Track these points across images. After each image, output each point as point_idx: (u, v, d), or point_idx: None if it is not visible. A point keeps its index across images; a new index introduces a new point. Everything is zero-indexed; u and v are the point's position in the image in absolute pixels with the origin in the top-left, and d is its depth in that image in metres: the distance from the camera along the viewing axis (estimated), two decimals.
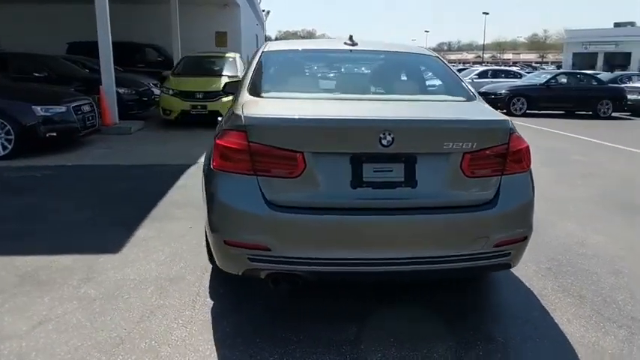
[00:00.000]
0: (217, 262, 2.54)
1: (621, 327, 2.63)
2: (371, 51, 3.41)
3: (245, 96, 2.72)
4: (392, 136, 2.25)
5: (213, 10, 18.18)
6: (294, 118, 2.33)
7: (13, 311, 2.67)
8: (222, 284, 3.02)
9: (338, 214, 2.26)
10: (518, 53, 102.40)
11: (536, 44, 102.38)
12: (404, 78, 3.31)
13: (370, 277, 2.45)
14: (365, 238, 2.29)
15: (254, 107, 2.48)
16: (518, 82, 15.82)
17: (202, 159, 6.47)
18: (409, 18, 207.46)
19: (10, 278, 3.05)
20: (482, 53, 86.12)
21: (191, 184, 5.38)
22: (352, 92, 2.94)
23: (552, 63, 76.60)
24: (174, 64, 14.44)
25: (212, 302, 2.82)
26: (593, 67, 42.77)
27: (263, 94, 2.73)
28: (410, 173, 2.32)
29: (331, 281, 2.85)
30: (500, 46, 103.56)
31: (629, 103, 14.36)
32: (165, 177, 5.72)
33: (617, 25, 51.24)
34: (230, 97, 9.69)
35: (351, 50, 3.29)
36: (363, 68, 3.28)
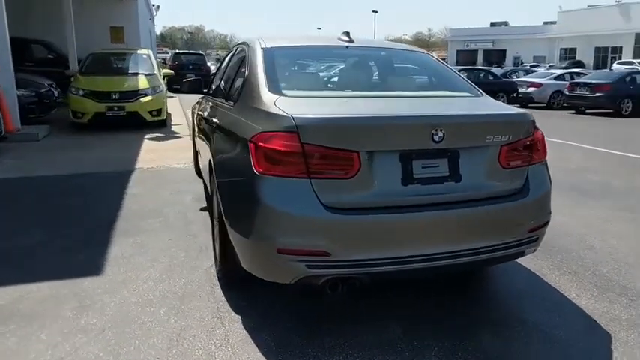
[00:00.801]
0: (259, 273, 2.39)
1: (620, 295, 2.93)
2: (370, 47, 3.40)
3: (267, 94, 2.56)
4: (443, 132, 2.28)
5: (109, 4, 16.86)
6: (349, 117, 2.26)
7: (11, 357, 2.26)
8: (239, 296, 2.83)
9: (394, 213, 2.24)
10: None
11: (421, 42, 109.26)
12: (415, 74, 3.35)
13: (423, 273, 2.46)
14: (420, 234, 2.29)
15: (296, 106, 2.35)
16: None
17: (141, 164, 6.20)
18: (300, 16, 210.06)
19: None
20: None
21: (143, 192, 4.98)
22: (374, 89, 2.91)
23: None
24: (70, 61, 13.27)
25: (239, 316, 2.63)
26: (474, 64, 46.79)
27: (287, 93, 2.59)
28: (454, 167, 2.36)
29: (383, 280, 2.82)
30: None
31: (519, 95, 15.95)
32: (111, 186, 5.21)
33: (493, 24, 56.57)
34: (149, 97, 9.40)
35: (347, 47, 3.26)
36: (371, 64, 3.27)
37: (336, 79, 3.30)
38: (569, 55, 44.75)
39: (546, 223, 2.66)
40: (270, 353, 2.31)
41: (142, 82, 9.56)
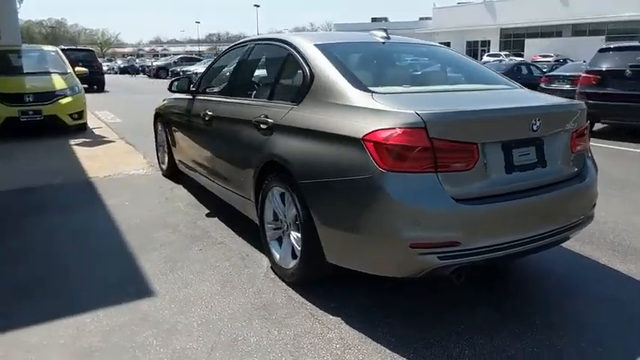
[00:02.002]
0: (389, 270, 2.40)
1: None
2: (409, 44, 3.46)
3: (355, 91, 2.53)
4: (540, 121, 2.45)
5: None
6: (470, 111, 2.33)
7: None
8: (324, 296, 2.75)
9: (506, 200, 2.37)
10: None
11: None
12: (468, 69, 3.45)
13: (524, 254, 2.61)
14: (525, 218, 2.44)
15: (402, 102, 2.36)
16: None
17: (94, 173, 5.60)
18: (178, 7, 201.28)
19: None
20: None
21: (125, 203, 4.55)
22: (443, 83, 2.98)
23: None
24: None
25: (338, 318, 2.57)
26: None
27: (374, 89, 2.57)
28: (541, 154, 2.55)
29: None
30: None
31: None
32: (81, 199, 4.67)
33: (374, 20, 59.47)
34: (69, 99, 8.45)
35: (383, 42, 3.31)
36: (425, 60, 3.33)
37: (409, 73, 3.30)
38: None
39: (595, 204, 2.97)
40: (399, 346, 2.30)
41: (59, 83, 8.57)
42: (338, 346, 2.33)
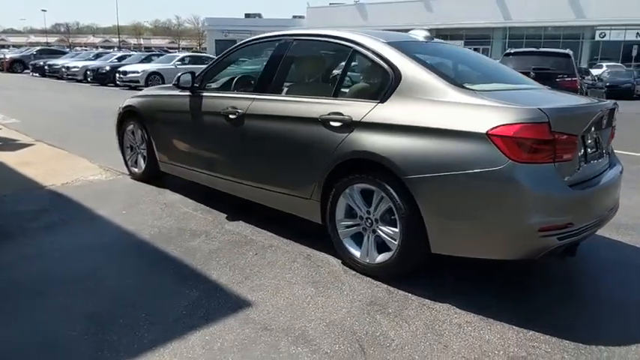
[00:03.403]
0: (508, 253, 2.61)
1: None
2: (444, 44, 3.67)
3: (453, 89, 2.70)
4: (607, 117, 2.85)
5: None
6: (574, 107, 2.64)
7: None
8: (417, 286, 2.86)
9: (594, 185, 2.73)
10: (149, 38, 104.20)
11: (170, 30, 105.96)
12: (502, 68, 3.70)
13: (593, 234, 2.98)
14: (602, 200, 2.82)
15: (512, 99, 2.59)
16: (242, 67, 16.79)
17: (46, 181, 4.92)
18: None
19: None
20: (119, 37, 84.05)
21: (119, 212, 4.11)
22: (504, 81, 3.22)
23: (184, 49, 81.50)
24: None
25: (445, 304, 2.70)
26: None
27: (470, 87, 2.75)
28: (600, 145, 2.97)
29: None
30: (137, 30, 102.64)
31: None
32: (65, 213, 4.11)
33: (247, 15, 58.97)
34: None
35: (427, 42, 3.49)
36: (471, 59, 3.52)
37: (468, 71, 3.44)
38: None
39: None
40: (522, 322, 2.53)
41: None
42: (470, 329, 2.48)
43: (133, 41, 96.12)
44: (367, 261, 3.00)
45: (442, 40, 3.87)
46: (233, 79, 4.33)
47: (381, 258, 2.94)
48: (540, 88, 3.36)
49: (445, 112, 2.65)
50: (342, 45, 3.27)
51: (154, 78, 18.52)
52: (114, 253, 3.33)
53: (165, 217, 3.99)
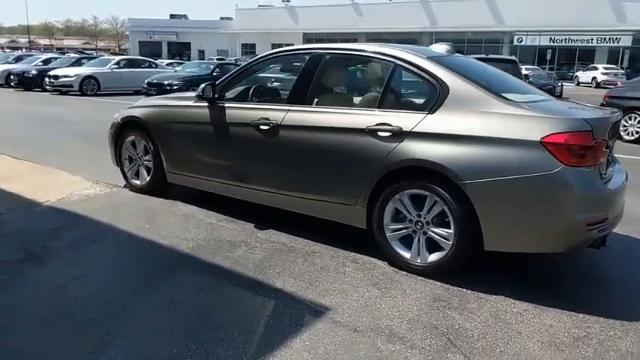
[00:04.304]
0: (557, 247, 2.93)
1: None
2: (462, 56, 3.96)
3: (497, 100, 3.04)
4: (617, 125, 3.29)
5: None
6: (606, 116, 3.01)
7: None
8: (466, 282, 3.13)
9: (614, 185, 3.13)
10: (62, 39, 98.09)
11: (85, 30, 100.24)
12: (512, 78, 4.02)
13: None
14: (619, 198, 3.21)
15: (551, 110, 2.99)
16: (186, 72, 16.40)
17: (39, 197, 4.73)
18: None
19: None
20: (29, 38, 78.33)
21: (144, 224, 4.03)
22: (524, 92, 3.56)
23: (102, 50, 77.61)
24: None
25: (499, 296, 2.99)
26: (159, 56, 46.81)
27: (512, 98, 3.07)
28: (612, 150, 3.40)
29: None
30: (48, 30, 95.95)
31: None
32: (81, 229, 3.95)
33: (172, 16, 57.20)
34: None
35: (450, 56, 3.78)
36: (487, 70, 3.83)
37: (497, 82, 3.67)
38: (249, 50, 50.06)
39: None
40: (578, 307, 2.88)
41: None
42: (531, 316, 2.78)
43: (44, 42, 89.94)
44: (419, 261, 3.23)
45: (460, 54, 4.19)
46: (248, 89, 4.37)
47: (433, 258, 3.18)
48: (552, 99, 3.77)
49: (496, 122, 2.95)
50: (384, 60, 3.48)
51: (89, 82, 17.55)
52: (167, 269, 3.29)
53: (193, 230, 3.97)
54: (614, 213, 3.05)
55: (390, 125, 3.23)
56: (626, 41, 29.22)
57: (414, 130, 3.15)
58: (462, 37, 36.84)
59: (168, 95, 5.53)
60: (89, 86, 17.55)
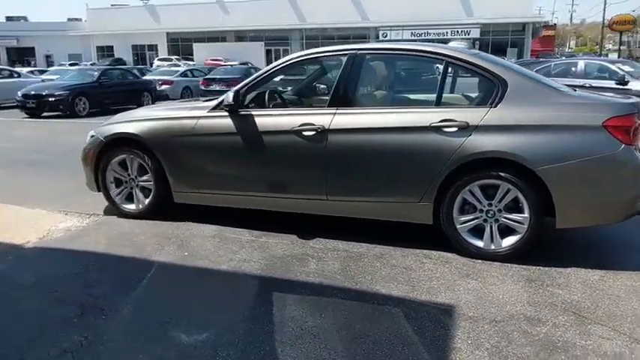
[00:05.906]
0: (615, 218, 3.31)
1: None
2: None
3: (555, 91, 3.41)
4: None
5: None
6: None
7: None
8: (542, 260, 3.39)
9: None
10: None
11: None
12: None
13: None
14: None
15: (603, 96, 3.33)
16: (68, 80, 14.46)
17: (27, 236, 3.94)
18: None
19: None
20: None
21: (182, 252, 3.63)
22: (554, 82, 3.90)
23: None
24: None
25: (583, 268, 3.31)
26: None
27: (560, 88, 3.40)
28: None
29: None
30: None
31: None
32: (124, 267, 3.42)
33: (9, 18, 50.03)
34: None
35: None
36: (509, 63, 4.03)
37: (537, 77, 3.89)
38: (106, 52, 46.09)
39: None
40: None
41: None
42: (620, 283, 3.11)
43: None
44: (493, 247, 3.41)
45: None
46: (263, 95, 4.14)
47: (507, 242, 3.38)
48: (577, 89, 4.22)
49: (559, 111, 3.24)
50: (434, 58, 3.57)
51: None
52: (258, 295, 3.02)
53: (240, 251, 3.65)
54: None
55: (456, 121, 3.34)
56: (475, 33, 33.27)
57: (480, 124, 3.31)
58: (330, 33, 38.36)
59: (163, 106, 4.95)
60: None
